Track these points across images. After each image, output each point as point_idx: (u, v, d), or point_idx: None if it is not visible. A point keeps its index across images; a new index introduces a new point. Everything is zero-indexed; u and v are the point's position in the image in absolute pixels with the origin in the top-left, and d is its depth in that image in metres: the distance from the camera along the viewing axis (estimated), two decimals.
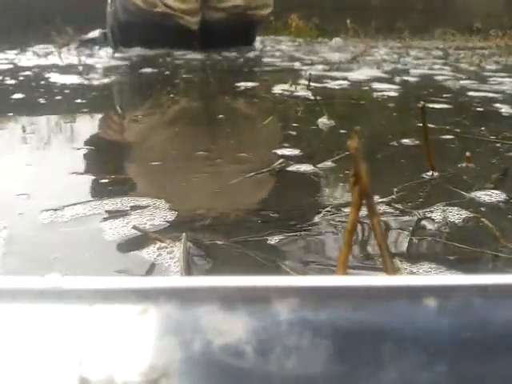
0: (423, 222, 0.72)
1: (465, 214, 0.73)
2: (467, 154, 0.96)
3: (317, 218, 0.72)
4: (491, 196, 0.79)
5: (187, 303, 0.20)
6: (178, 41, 2.81)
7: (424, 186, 0.86)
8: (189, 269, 0.56)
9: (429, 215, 0.73)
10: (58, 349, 0.19)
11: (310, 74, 1.78)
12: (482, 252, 0.63)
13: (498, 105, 1.57)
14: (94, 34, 3.10)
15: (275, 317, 0.20)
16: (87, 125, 1.36)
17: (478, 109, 1.57)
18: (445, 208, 0.74)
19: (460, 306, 0.21)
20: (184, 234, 0.63)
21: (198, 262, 0.60)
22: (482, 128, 1.27)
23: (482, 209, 0.76)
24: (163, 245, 0.62)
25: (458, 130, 1.25)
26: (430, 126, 1.19)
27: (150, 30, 2.69)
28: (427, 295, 0.21)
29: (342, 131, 1.25)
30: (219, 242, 0.64)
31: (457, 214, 0.72)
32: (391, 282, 0.22)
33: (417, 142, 1.13)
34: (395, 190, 0.82)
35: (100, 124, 1.41)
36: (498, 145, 1.12)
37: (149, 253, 0.62)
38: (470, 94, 1.79)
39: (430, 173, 0.91)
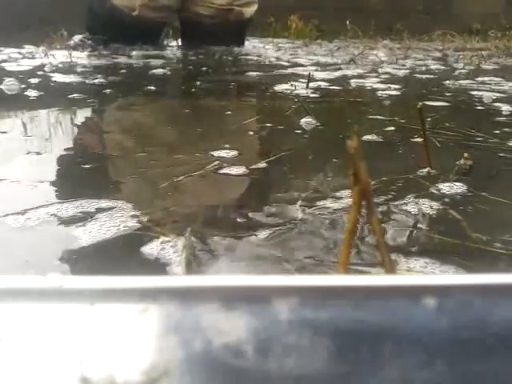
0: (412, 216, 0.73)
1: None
2: (465, 154, 0.96)
3: (294, 213, 0.72)
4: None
5: (188, 302, 0.20)
6: (147, 37, 2.91)
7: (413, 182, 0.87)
8: (191, 265, 0.57)
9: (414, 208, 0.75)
10: (58, 348, 0.19)
11: (309, 74, 1.79)
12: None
13: (497, 104, 1.58)
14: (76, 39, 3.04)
15: (275, 316, 0.20)
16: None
17: (477, 108, 1.58)
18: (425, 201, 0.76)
19: (460, 306, 0.21)
20: (189, 228, 0.63)
21: (200, 258, 0.60)
22: (483, 127, 1.28)
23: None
24: (166, 239, 0.62)
25: (459, 129, 1.25)
26: (430, 124, 1.19)
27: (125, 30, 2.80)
28: (427, 294, 0.21)
29: (319, 130, 1.25)
30: (216, 238, 0.64)
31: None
32: (391, 282, 0.22)
33: (414, 140, 1.14)
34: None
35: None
36: (496, 143, 1.13)
37: (152, 248, 0.62)
38: (469, 93, 1.80)
39: (425, 170, 0.91)
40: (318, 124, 1.26)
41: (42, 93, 1.67)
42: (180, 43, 3.27)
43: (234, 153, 1.02)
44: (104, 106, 1.61)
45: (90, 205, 0.75)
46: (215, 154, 1.01)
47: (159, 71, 2.27)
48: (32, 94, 1.66)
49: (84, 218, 0.70)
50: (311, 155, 1.06)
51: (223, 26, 2.99)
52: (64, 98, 1.63)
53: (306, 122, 1.28)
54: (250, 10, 3.13)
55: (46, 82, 1.91)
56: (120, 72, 2.31)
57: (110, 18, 2.82)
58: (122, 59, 2.68)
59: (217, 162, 0.95)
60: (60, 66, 2.36)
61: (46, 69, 2.22)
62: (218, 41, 3.00)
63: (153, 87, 1.86)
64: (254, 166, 0.94)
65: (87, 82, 1.96)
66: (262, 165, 0.96)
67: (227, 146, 1.06)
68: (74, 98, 1.61)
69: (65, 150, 1.11)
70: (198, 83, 2.02)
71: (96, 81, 1.96)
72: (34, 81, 1.90)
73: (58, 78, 2.02)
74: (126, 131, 1.30)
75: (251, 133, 1.22)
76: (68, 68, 2.30)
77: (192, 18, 3.02)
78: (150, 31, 2.94)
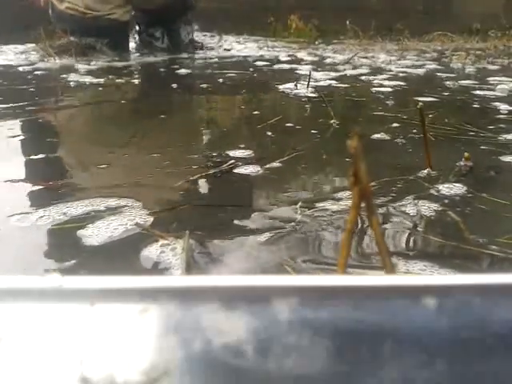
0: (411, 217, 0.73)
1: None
2: (466, 154, 0.96)
3: (294, 215, 0.72)
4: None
5: (188, 302, 0.20)
6: (116, 35, 2.92)
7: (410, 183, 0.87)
8: (190, 267, 0.57)
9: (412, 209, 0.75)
10: (58, 348, 0.19)
11: (310, 73, 1.79)
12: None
13: (496, 103, 1.58)
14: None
15: (275, 316, 0.20)
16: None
17: (477, 107, 1.58)
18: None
19: (459, 306, 0.21)
20: (187, 231, 0.64)
21: (199, 260, 0.60)
22: (482, 125, 1.28)
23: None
24: (166, 242, 0.62)
25: (458, 128, 1.25)
26: (430, 124, 1.19)
27: (87, 35, 2.80)
28: (427, 294, 0.21)
29: (342, 131, 1.25)
30: (215, 241, 0.64)
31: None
32: (391, 282, 0.22)
33: (412, 140, 1.14)
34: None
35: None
36: (495, 142, 1.13)
37: (152, 251, 0.62)
38: (468, 93, 1.80)
39: (425, 171, 0.91)
40: (336, 123, 1.27)
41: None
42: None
43: (248, 152, 1.03)
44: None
45: (98, 205, 0.75)
46: (231, 153, 1.02)
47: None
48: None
49: (91, 218, 0.70)
50: (325, 155, 1.05)
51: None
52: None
53: (323, 121, 1.29)
54: None
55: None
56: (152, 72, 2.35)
57: (76, 26, 2.80)
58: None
59: (232, 161, 0.95)
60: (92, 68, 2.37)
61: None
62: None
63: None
64: (268, 166, 0.95)
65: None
66: (277, 164, 0.96)
67: (243, 145, 1.07)
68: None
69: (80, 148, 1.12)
70: (199, 82, 2.03)
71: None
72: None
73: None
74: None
75: (269, 133, 1.22)
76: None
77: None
78: (115, 29, 2.89)
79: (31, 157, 1.02)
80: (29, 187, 0.83)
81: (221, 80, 2.11)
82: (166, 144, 1.13)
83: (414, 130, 1.20)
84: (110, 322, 0.20)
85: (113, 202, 0.75)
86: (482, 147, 1.10)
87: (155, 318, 0.20)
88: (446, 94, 1.78)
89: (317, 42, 3.95)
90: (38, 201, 0.76)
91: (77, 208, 0.73)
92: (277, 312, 0.20)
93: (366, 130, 1.21)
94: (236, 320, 0.20)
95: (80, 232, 0.66)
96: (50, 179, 0.87)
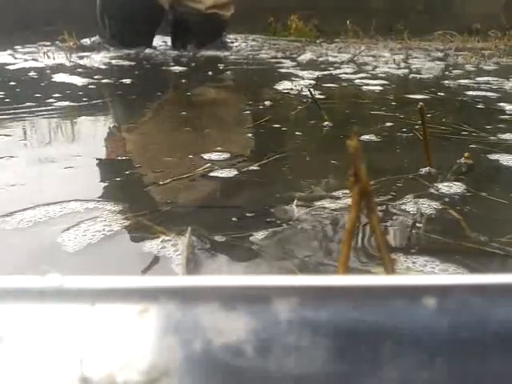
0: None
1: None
2: (466, 154, 0.96)
3: (288, 215, 0.72)
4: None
5: (187, 302, 0.20)
6: (152, 18, 3.01)
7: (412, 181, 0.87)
8: (190, 265, 0.57)
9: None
10: (58, 348, 0.19)
11: (317, 77, 1.79)
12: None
13: (497, 104, 1.58)
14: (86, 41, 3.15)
15: (275, 316, 0.20)
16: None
17: (476, 107, 1.58)
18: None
19: (459, 305, 0.21)
20: (189, 228, 0.63)
21: (200, 258, 0.60)
22: (483, 126, 1.28)
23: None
24: (167, 238, 0.62)
25: (457, 128, 1.25)
26: (429, 125, 1.19)
27: (129, 9, 2.90)
28: (427, 294, 0.21)
29: (335, 132, 1.24)
30: (216, 239, 0.64)
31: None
32: (391, 282, 0.22)
33: (414, 138, 1.14)
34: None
35: None
36: (495, 141, 1.13)
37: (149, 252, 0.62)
38: (468, 93, 1.80)
39: (426, 169, 0.91)
40: (331, 124, 1.26)
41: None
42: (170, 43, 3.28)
43: (234, 154, 1.02)
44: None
45: (76, 207, 0.74)
46: (213, 156, 1.01)
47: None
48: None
49: (74, 219, 0.70)
50: (315, 155, 1.05)
51: (202, 26, 3.15)
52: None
53: (318, 122, 1.29)
54: (227, 14, 3.32)
55: None
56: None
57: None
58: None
59: (208, 165, 0.94)
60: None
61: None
62: (197, 40, 3.13)
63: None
64: (249, 168, 0.94)
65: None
66: (255, 168, 0.96)
67: (227, 147, 1.06)
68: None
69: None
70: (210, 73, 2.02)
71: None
72: None
73: None
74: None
75: (257, 133, 1.21)
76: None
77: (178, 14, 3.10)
78: (153, 13, 2.99)
79: None
80: (10, 189, 0.82)
81: (217, 78, 2.11)
82: (140, 145, 1.12)
83: (413, 130, 1.20)
84: (110, 322, 0.20)
85: (91, 205, 0.74)
86: (481, 147, 1.10)
87: (155, 318, 0.20)
88: (449, 94, 1.78)
89: (318, 41, 3.95)
90: (20, 203, 0.75)
91: (55, 211, 0.72)
92: (277, 312, 0.20)
93: (363, 130, 1.21)
94: (236, 320, 0.20)
95: (65, 234, 0.65)
96: None
